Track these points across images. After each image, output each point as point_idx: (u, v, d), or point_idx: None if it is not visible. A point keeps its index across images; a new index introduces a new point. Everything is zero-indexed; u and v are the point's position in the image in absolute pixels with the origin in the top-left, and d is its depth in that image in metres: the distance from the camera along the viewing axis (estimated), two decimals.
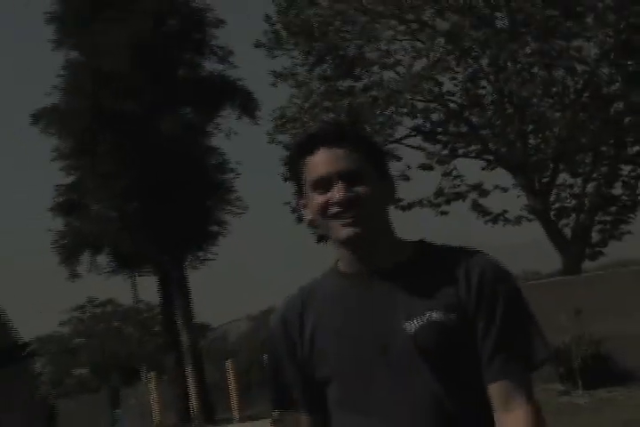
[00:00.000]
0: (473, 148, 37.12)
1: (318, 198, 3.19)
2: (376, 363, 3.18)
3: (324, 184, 3.17)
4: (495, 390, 3.10)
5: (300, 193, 3.33)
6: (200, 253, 38.32)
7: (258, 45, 36.45)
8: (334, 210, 3.13)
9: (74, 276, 39.36)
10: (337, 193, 3.11)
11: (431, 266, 3.25)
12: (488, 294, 3.17)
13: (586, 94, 34.11)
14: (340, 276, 3.29)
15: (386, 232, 3.28)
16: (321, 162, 3.19)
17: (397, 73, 35.17)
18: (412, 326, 3.13)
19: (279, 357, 3.42)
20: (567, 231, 35.81)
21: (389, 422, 3.16)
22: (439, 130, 37.32)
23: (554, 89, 33.92)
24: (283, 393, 3.42)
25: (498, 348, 3.13)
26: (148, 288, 47.70)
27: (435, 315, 3.13)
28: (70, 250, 38.94)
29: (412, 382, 3.15)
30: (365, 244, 3.18)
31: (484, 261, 3.26)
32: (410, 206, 36.25)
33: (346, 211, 3.12)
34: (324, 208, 3.14)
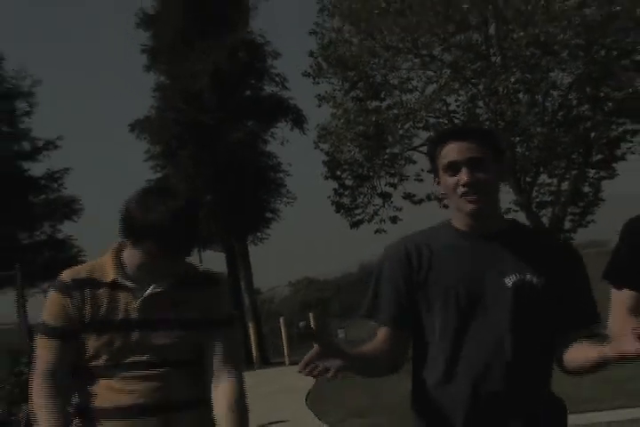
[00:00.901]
0: None
1: (449, 180, 3.81)
2: (475, 302, 3.74)
3: (453, 168, 3.79)
4: (574, 336, 3.71)
5: (435, 174, 3.93)
6: (258, 234, 41.42)
7: (305, 74, 39.77)
8: (462, 190, 3.75)
9: None
10: (464, 176, 3.73)
11: (524, 237, 3.91)
12: (571, 268, 3.85)
13: (560, 114, 37.71)
14: (455, 231, 3.90)
15: (496, 205, 3.89)
16: (451, 150, 3.78)
17: (413, 96, 38.60)
18: (510, 280, 3.72)
19: (395, 277, 3.90)
20: (545, 220, 39.22)
21: (482, 358, 3.67)
22: None
23: (535, 109, 37.15)
24: (390, 310, 3.88)
25: (582, 306, 3.80)
26: (214, 262, 50.29)
27: (528, 276, 3.73)
28: None
29: (499, 323, 3.69)
30: (482, 215, 3.79)
31: (563, 242, 4.16)
32: (421, 201, 39.39)
33: (470, 191, 3.73)
34: (454, 188, 3.78)
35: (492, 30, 36.51)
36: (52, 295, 4.06)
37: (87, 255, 43.29)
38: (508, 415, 3.62)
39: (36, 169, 45.22)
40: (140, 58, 41.66)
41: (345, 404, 17.93)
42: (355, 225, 40.34)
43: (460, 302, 3.68)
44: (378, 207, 39.11)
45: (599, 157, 39.29)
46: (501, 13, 35.57)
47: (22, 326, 28.15)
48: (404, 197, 38.75)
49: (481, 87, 37.68)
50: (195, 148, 38.40)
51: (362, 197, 40.12)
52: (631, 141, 38.76)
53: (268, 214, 41.23)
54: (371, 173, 38.64)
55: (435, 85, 38.18)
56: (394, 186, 38.81)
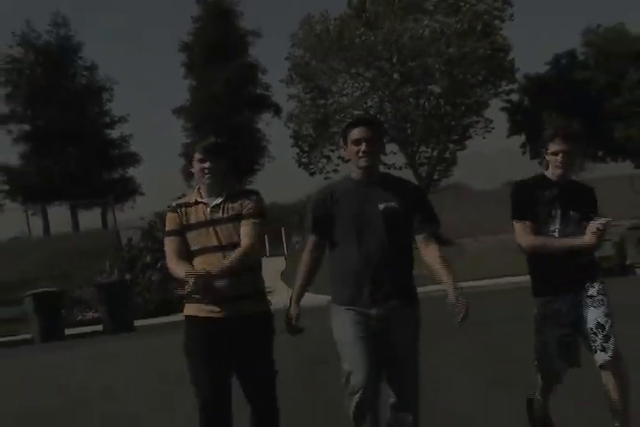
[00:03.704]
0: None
1: (355, 148, 4.48)
2: (363, 221, 4.47)
3: (357, 142, 4.47)
4: (421, 236, 4.50)
5: (345, 144, 4.58)
6: (250, 179, 47.45)
7: (281, 82, 45.59)
8: (361, 155, 4.46)
9: None
10: (363, 147, 4.45)
11: (390, 182, 4.59)
12: (415, 196, 4.58)
13: (433, 111, 44.47)
14: (352, 180, 4.60)
15: (377, 164, 4.58)
16: (357, 131, 4.49)
17: (346, 98, 45.33)
18: (381, 206, 4.47)
19: (321, 209, 4.60)
20: (423, 173, 45.72)
21: (367, 250, 4.43)
22: None
23: (419, 108, 44.10)
24: (314, 225, 4.63)
25: (423, 218, 4.51)
26: None
27: (392, 203, 4.48)
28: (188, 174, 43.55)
29: (378, 233, 4.44)
30: (369, 169, 4.50)
31: (412, 183, 4.77)
32: (348, 161, 47.69)
33: (365, 156, 4.45)
34: (357, 153, 4.47)
35: (394, 60, 42.62)
36: (169, 215, 4.81)
37: (143, 188, 49.53)
38: (386, 285, 4.42)
39: (114, 134, 49.93)
40: (180, 70, 47.80)
41: None
42: (311, 175, 46.47)
43: (354, 221, 4.44)
44: (324, 164, 45.22)
45: (455, 137, 46.18)
46: (400, 50, 41.94)
47: (114, 231, 32.64)
48: (338, 158, 43.69)
49: (387, 93, 44.16)
50: (212, 125, 43.80)
51: (314, 157, 46.19)
52: (474, 127, 46.12)
53: (257, 166, 47.75)
54: (319, 143, 44.51)
55: (359, 92, 45.07)
56: (333, 151, 44.01)
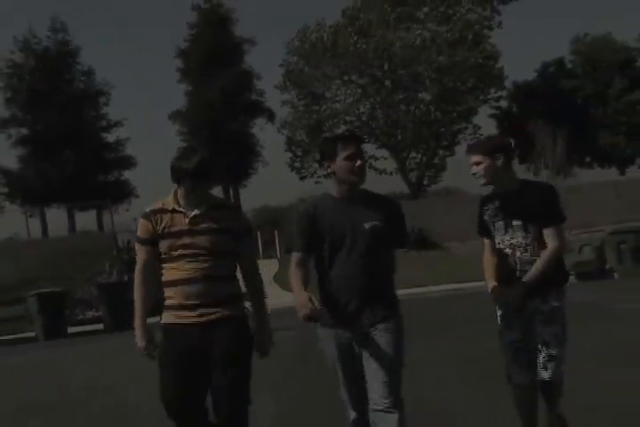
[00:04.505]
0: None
1: (348, 164, 4.38)
2: (348, 240, 4.43)
3: (352, 158, 4.38)
4: (398, 251, 4.53)
5: (330, 160, 4.44)
6: (244, 183, 48.31)
7: (275, 88, 46.27)
8: (356, 170, 4.37)
9: None
10: (359, 162, 4.40)
11: (370, 199, 4.51)
12: (395, 214, 4.52)
13: (423, 117, 44.92)
14: (333, 198, 4.51)
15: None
16: (353, 147, 4.42)
17: (339, 104, 45.89)
18: (367, 225, 4.41)
19: (305, 226, 4.50)
20: (413, 178, 46.48)
21: (351, 267, 4.43)
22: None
23: (409, 114, 44.81)
24: (304, 244, 4.52)
25: (400, 235, 4.58)
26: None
27: (376, 222, 4.42)
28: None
29: (363, 251, 4.43)
30: (359, 185, 4.44)
31: (391, 199, 4.68)
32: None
33: (359, 171, 4.40)
34: (351, 170, 4.37)
35: (385, 67, 43.25)
36: (141, 221, 4.69)
37: (138, 191, 49.61)
38: (372, 302, 4.42)
39: (110, 138, 49.97)
40: (176, 74, 47.34)
41: None
42: (302, 179, 47.23)
43: (339, 238, 4.40)
44: (315, 169, 44.78)
45: (445, 143, 46.89)
46: (391, 58, 42.59)
47: (111, 233, 32.79)
48: None
49: (379, 100, 44.88)
50: (207, 131, 44.61)
51: (306, 162, 46.58)
52: (464, 134, 46.71)
53: (250, 171, 48.16)
54: (312, 149, 43.52)
55: (351, 99, 45.53)
56: None
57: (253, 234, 4.90)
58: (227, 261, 4.65)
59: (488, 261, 5.02)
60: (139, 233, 4.73)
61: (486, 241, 5.03)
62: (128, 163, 49.58)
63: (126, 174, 49.96)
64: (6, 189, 46.08)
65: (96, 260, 24.95)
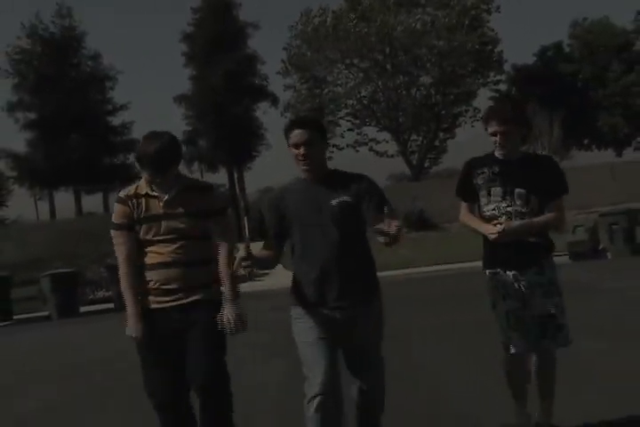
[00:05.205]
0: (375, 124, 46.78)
1: (294, 151, 4.31)
2: (319, 219, 4.28)
3: (295, 146, 4.28)
4: (377, 219, 4.11)
5: (288, 146, 4.32)
6: (248, 165, 47.86)
7: (278, 73, 47.32)
8: (300, 159, 4.30)
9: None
10: (301, 151, 4.29)
11: (339, 177, 4.40)
12: (366, 187, 4.35)
13: (424, 100, 45.41)
14: (301, 180, 4.42)
15: (323, 163, 4.40)
16: (295, 134, 4.28)
17: (340, 87, 46.53)
18: (334, 202, 4.29)
19: (271, 215, 4.40)
20: (414, 160, 47.18)
21: (327, 248, 4.27)
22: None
23: (410, 97, 45.61)
24: (266, 230, 4.42)
25: (379, 202, 4.27)
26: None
27: (344, 197, 4.30)
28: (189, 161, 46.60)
29: (335, 229, 4.27)
30: (313, 172, 4.32)
31: (360, 174, 4.46)
32: (342, 149, 47.64)
33: (303, 161, 4.29)
34: (297, 157, 4.30)
35: (387, 51, 44.03)
36: (116, 206, 4.59)
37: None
38: (349, 280, 4.27)
39: (115, 121, 50.03)
40: (181, 59, 47.20)
41: None
42: None
43: (309, 220, 4.29)
44: None
45: (445, 125, 47.62)
46: (392, 44, 43.35)
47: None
48: (333, 146, 45.78)
49: (380, 83, 45.73)
50: (212, 114, 44.48)
51: None
52: (464, 116, 47.58)
53: (254, 153, 47.86)
54: None
55: (353, 82, 46.16)
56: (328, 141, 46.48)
57: (228, 213, 4.75)
58: (205, 245, 4.58)
59: (469, 216, 4.95)
60: (114, 219, 4.61)
61: (465, 204, 4.94)
62: (134, 146, 48.37)
63: (132, 158, 49.16)
64: (15, 173, 46.59)
65: (103, 241, 25.20)
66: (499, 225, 4.71)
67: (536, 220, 4.70)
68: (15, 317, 18.54)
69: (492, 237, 4.70)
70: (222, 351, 4.55)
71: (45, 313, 18.13)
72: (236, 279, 4.48)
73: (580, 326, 5.84)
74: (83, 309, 18.21)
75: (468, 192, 4.90)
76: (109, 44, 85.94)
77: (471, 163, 4.95)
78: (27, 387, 9.09)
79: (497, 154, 4.81)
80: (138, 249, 4.56)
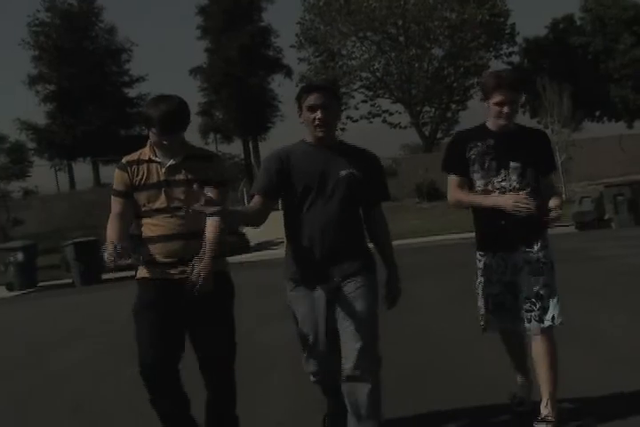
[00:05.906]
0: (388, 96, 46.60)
1: (310, 115, 4.16)
2: (322, 186, 4.17)
3: (312, 109, 4.14)
4: (378, 203, 4.28)
5: (299, 110, 4.22)
6: (263, 135, 48.77)
7: (292, 46, 46.95)
8: (316, 123, 4.15)
9: None
10: (319, 114, 4.14)
11: (348, 149, 4.29)
12: (375, 167, 4.32)
13: (436, 73, 45.31)
14: (308, 144, 4.25)
15: (334, 130, 4.27)
16: (312, 97, 4.15)
17: (354, 60, 46.24)
18: (343, 173, 4.17)
19: (270, 169, 4.24)
20: (426, 131, 47.05)
21: (325, 217, 4.18)
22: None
23: (423, 70, 45.16)
24: (264, 186, 4.24)
25: (382, 187, 4.33)
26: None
27: (352, 170, 4.18)
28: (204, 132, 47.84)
29: (336, 199, 4.18)
30: (326, 138, 4.19)
31: (370, 152, 4.38)
32: (356, 120, 47.36)
33: (320, 124, 4.15)
34: (312, 121, 4.15)
35: (399, 23, 43.55)
36: (117, 172, 4.36)
37: None
38: (344, 252, 4.21)
39: (132, 93, 50.72)
40: (196, 31, 47.78)
41: None
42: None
43: (311, 184, 4.16)
44: None
45: (457, 97, 47.42)
46: (405, 16, 43.13)
47: None
48: (347, 118, 46.01)
49: (393, 56, 45.39)
50: (228, 87, 45.14)
51: None
52: (475, 88, 45.71)
53: (269, 124, 48.72)
54: None
55: (367, 55, 45.86)
56: (342, 110, 46.24)
57: (229, 185, 4.52)
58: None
59: (466, 193, 4.57)
60: (114, 185, 4.39)
61: (456, 178, 4.57)
62: None
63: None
64: (35, 145, 46.89)
65: None
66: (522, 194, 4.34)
67: (559, 200, 4.42)
68: (40, 284, 18.96)
69: (523, 207, 4.26)
70: (232, 324, 4.43)
71: (69, 280, 18.54)
72: (216, 245, 4.21)
73: (572, 288, 6.14)
74: (105, 276, 18.55)
75: (460, 166, 4.51)
76: (126, 17, 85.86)
77: (461, 135, 4.65)
78: (69, 343, 9.70)
79: (492, 126, 4.47)
80: (137, 220, 4.36)
